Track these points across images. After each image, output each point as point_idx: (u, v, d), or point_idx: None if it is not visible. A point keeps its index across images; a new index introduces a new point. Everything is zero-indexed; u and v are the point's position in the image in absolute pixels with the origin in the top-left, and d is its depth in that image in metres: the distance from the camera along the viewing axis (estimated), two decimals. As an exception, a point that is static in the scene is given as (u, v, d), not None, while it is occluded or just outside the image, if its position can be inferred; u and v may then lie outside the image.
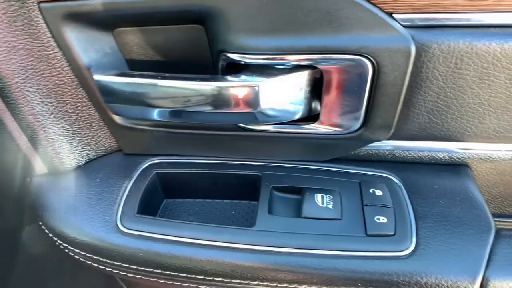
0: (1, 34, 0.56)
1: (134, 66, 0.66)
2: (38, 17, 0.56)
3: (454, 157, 0.69)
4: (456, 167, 0.70)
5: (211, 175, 0.73)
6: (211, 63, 0.62)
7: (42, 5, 0.55)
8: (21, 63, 0.59)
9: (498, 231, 0.60)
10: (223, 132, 0.70)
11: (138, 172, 0.73)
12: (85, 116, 0.69)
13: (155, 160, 0.75)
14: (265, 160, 0.74)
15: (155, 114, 0.61)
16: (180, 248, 0.61)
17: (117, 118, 0.69)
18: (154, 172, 0.72)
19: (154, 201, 0.74)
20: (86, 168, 0.74)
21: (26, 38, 0.58)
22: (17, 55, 0.58)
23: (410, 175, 0.70)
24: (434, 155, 0.70)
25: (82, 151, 0.73)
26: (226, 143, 0.72)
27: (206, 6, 0.54)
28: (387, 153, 0.71)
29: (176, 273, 0.62)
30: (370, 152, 0.71)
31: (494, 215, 0.64)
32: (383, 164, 0.72)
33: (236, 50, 0.56)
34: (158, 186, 0.74)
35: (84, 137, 0.72)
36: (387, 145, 0.70)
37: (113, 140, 0.75)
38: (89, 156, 0.75)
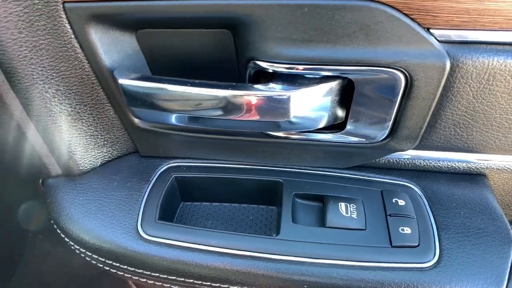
0: (22, 33, 0.54)
1: (155, 68, 0.64)
2: (61, 17, 0.54)
3: (473, 167, 0.70)
4: (473, 176, 0.71)
5: (231, 180, 0.72)
6: (236, 68, 0.61)
7: (67, 5, 0.53)
8: (41, 64, 0.57)
9: None
10: (244, 138, 0.69)
11: (156, 175, 0.72)
12: (103, 117, 0.67)
13: (173, 164, 0.74)
14: (285, 166, 0.73)
15: (180, 120, 0.60)
16: (206, 257, 0.61)
17: (137, 121, 0.68)
18: (173, 176, 0.71)
19: (172, 205, 0.73)
20: (102, 170, 0.73)
21: (48, 38, 0.55)
22: (38, 55, 0.56)
23: (430, 184, 0.70)
24: (453, 165, 0.70)
25: (99, 153, 0.72)
26: (246, 148, 0.71)
27: (240, 13, 0.52)
28: (407, 162, 0.71)
29: (200, 282, 0.62)
30: (391, 160, 0.71)
31: None
32: (402, 172, 0.73)
33: (269, 59, 0.55)
34: (177, 190, 0.73)
35: (101, 138, 0.70)
36: (407, 154, 0.70)
37: (130, 142, 0.74)
38: (104, 158, 0.73)
